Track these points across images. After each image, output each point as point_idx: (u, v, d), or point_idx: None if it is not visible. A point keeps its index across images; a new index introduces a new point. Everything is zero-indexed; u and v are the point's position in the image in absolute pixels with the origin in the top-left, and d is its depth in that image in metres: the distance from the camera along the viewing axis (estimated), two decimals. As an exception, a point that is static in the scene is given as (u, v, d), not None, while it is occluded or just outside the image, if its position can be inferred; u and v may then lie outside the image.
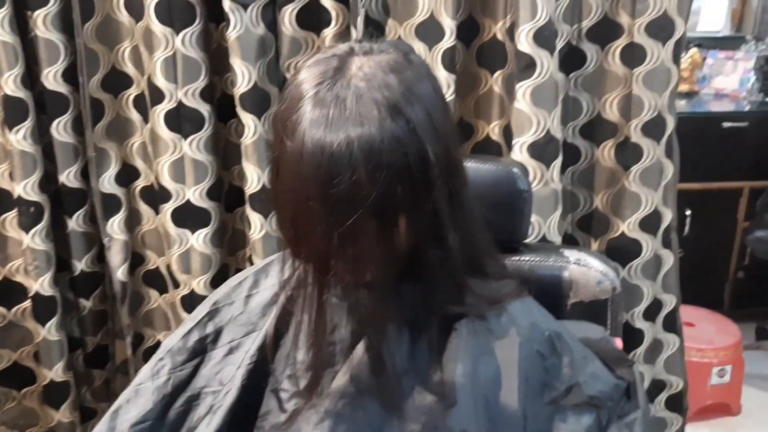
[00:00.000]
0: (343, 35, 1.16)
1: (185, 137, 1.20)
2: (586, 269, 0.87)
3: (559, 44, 1.13)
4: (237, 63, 1.13)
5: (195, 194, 1.24)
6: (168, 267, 1.33)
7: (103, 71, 1.26)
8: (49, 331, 1.33)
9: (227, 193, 1.32)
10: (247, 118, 1.16)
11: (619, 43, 1.14)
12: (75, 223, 1.33)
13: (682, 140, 1.22)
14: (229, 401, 0.73)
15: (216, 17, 1.19)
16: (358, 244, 0.59)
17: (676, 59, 1.13)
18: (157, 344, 1.44)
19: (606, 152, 1.21)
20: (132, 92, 1.28)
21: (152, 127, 1.23)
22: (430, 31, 1.13)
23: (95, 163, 1.29)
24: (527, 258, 0.90)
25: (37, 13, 1.18)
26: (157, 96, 1.19)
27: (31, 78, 1.22)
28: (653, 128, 1.16)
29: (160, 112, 1.20)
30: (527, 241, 0.95)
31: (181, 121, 1.19)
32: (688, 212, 2.15)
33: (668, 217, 1.24)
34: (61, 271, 1.35)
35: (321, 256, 0.61)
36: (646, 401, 0.75)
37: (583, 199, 1.26)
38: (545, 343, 0.71)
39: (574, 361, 0.72)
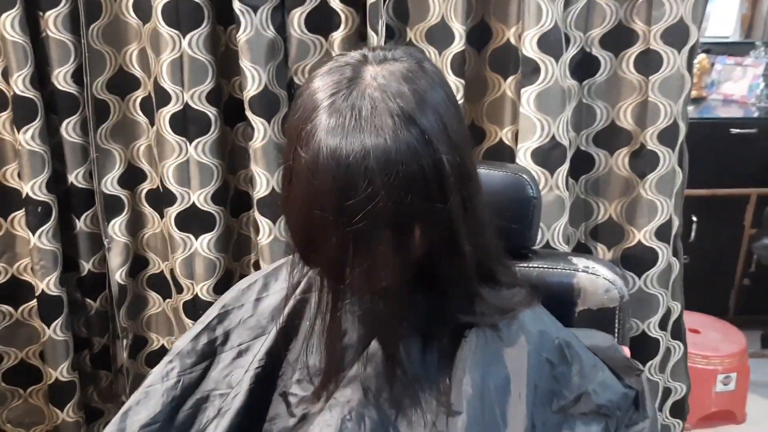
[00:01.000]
0: (353, 38, 1.15)
1: (191, 140, 1.20)
2: (594, 277, 0.87)
3: (572, 51, 1.13)
4: (247, 66, 1.13)
5: (200, 198, 1.24)
6: (172, 271, 1.33)
7: (109, 72, 1.26)
8: (55, 331, 1.33)
9: (233, 197, 1.32)
10: (257, 122, 1.16)
11: (634, 51, 1.14)
12: (83, 223, 1.33)
13: (689, 146, 1.22)
14: (237, 404, 0.73)
15: (224, 20, 1.19)
16: (373, 254, 0.58)
17: (690, 66, 1.13)
18: (160, 348, 1.44)
19: (620, 160, 1.20)
20: (139, 94, 1.29)
21: (158, 130, 1.23)
22: (440, 36, 1.13)
23: (98, 164, 1.29)
24: (536, 265, 0.89)
25: (48, 13, 1.19)
26: (164, 98, 1.19)
27: (41, 78, 1.22)
28: (669, 136, 1.15)
29: (166, 114, 1.20)
30: (535, 247, 0.95)
31: (187, 123, 1.20)
32: (694, 219, 2.14)
33: (676, 224, 1.24)
34: (69, 271, 1.35)
35: (336, 265, 0.61)
36: (654, 411, 0.75)
37: (597, 208, 1.25)
38: (555, 351, 0.71)
39: (583, 370, 0.72)
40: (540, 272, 0.89)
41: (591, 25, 1.14)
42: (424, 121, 0.57)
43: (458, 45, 1.11)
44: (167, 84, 1.17)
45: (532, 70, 1.08)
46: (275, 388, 0.74)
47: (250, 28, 1.12)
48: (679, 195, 1.22)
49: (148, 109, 1.27)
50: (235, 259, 1.36)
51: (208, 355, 0.78)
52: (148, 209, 1.36)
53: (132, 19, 1.23)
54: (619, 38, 1.14)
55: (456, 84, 1.13)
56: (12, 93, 1.20)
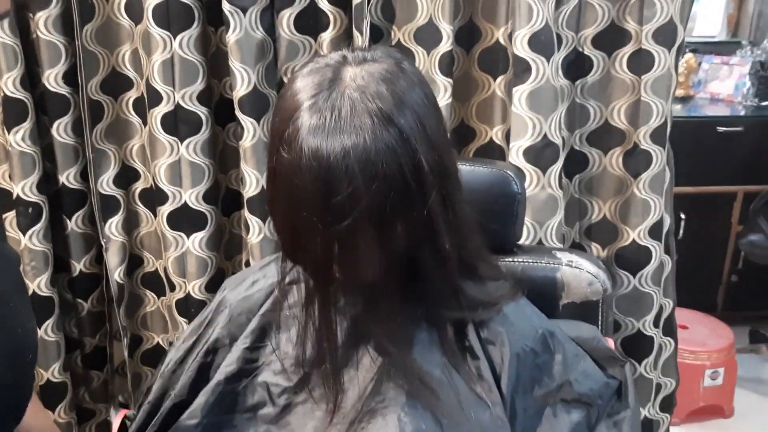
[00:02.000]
0: (341, 39, 1.16)
1: (182, 140, 1.21)
2: (578, 271, 0.89)
3: (565, 51, 1.14)
4: (236, 66, 1.14)
5: (191, 197, 1.24)
6: (165, 270, 1.34)
7: (103, 73, 1.27)
8: (46, 332, 1.33)
9: (224, 197, 1.33)
10: (247, 121, 1.17)
11: (627, 50, 1.14)
12: (74, 224, 1.33)
13: (677, 144, 1.23)
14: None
15: (215, 21, 1.20)
16: (357, 252, 0.60)
17: (677, 65, 1.14)
18: (156, 346, 1.45)
19: (614, 160, 1.21)
20: (132, 95, 1.29)
21: (150, 130, 1.23)
22: (428, 36, 1.14)
23: (94, 165, 1.30)
24: (521, 259, 0.91)
25: (38, 15, 1.19)
26: (155, 98, 1.20)
27: (32, 79, 1.23)
28: (660, 135, 1.16)
29: (157, 114, 1.20)
30: (520, 242, 0.96)
31: (179, 123, 1.20)
32: (682, 216, 2.16)
33: (668, 222, 1.25)
34: (60, 272, 1.36)
35: (321, 264, 0.62)
36: (636, 401, 0.77)
37: (591, 207, 1.25)
38: (538, 340, 0.73)
39: (566, 359, 0.73)
40: (524, 267, 0.90)
41: (583, 24, 1.14)
42: (402, 120, 0.59)
43: (446, 45, 1.12)
44: (158, 84, 1.18)
45: (523, 70, 1.09)
46: (254, 376, 0.75)
47: (240, 29, 1.13)
48: (668, 193, 1.23)
49: (141, 109, 1.28)
50: (227, 258, 1.37)
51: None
52: (142, 208, 1.36)
53: (124, 20, 1.23)
54: (611, 38, 1.14)
55: (444, 84, 1.14)
56: (2, 94, 1.21)
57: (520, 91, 1.10)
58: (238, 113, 1.17)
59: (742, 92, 2.41)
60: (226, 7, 1.12)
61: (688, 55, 2.47)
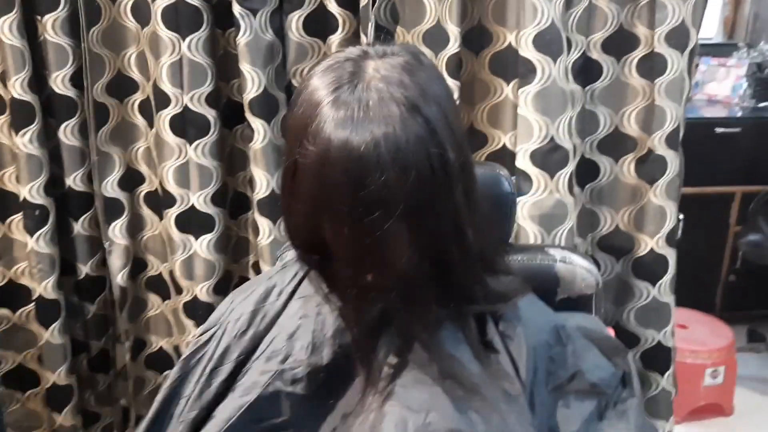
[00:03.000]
0: (350, 41, 1.17)
1: (190, 142, 1.21)
2: (572, 266, 0.90)
3: (574, 56, 1.13)
4: (246, 68, 1.14)
5: (199, 199, 1.24)
6: (171, 273, 1.33)
7: (108, 76, 1.27)
8: (52, 335, 1.33)
9: (232, 199, 1.33)
10: (257, 123, 1.17)
11: (636, 54, 1.13)
12: (80, 226, 1.33)
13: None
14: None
15: (223, 23, 1.20)
16: (388, 245, 0.59)
17: (690, 68, 1.13)
18: (159, 350, 1.44)
19: (626, 167, 1.19)
20: (137, 97, 1.29)
21: (157, 132, 1.23)
22: (435, 38, 1.14)
23: (98, 167, 1.30)
24: (517, 257, 0.93)
25: (46, 17, 1.19)
26: (163, 101, 1.20)
27: (39, 82, 1.22)
28: (674, 139, 1.14)
29: (165, 116, 1.20)
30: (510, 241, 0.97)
31: (187, 126, 1.20)
32: (680, 217, 2.17)
33: (678, 226, 1.24)
34: (66, 275, 1.35)
35: (352, 258, 0.61)
36: (640, 390, 0.78)
37: (603, 218, 1.23)
38: (551, 333, 0.74)
39: (576, 350, 0.74)
40: (521, 264, 0.91)
41: (592, 29, 1.13)
42: (427, 110, 0.58)
43: (453, 47, 1.12)
44: (167, 86, 1.18)
45: (528, 70, 1.08)
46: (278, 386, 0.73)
47: (250, 32, 1.13)
48: (678, 198, 1.21)
49: (147, 111, 1.28)
50: (234, 261, 1.37)
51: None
52: (147, 211, 1.36)
53: (130, 23, 1.23)
54: (620, 42, 1.13)
55: (452, 86, 1.14)
56: (10, 96, 1.20)
57: (526, 92, 1.09)
58: (248, 115, 1.17)
59: (739, 94, 2.43)
60: (237, 9, 1.12)
61: (686, 57, 2.49)
